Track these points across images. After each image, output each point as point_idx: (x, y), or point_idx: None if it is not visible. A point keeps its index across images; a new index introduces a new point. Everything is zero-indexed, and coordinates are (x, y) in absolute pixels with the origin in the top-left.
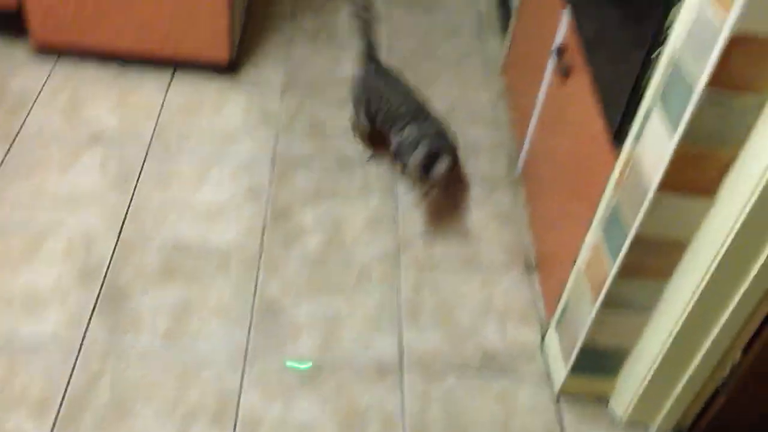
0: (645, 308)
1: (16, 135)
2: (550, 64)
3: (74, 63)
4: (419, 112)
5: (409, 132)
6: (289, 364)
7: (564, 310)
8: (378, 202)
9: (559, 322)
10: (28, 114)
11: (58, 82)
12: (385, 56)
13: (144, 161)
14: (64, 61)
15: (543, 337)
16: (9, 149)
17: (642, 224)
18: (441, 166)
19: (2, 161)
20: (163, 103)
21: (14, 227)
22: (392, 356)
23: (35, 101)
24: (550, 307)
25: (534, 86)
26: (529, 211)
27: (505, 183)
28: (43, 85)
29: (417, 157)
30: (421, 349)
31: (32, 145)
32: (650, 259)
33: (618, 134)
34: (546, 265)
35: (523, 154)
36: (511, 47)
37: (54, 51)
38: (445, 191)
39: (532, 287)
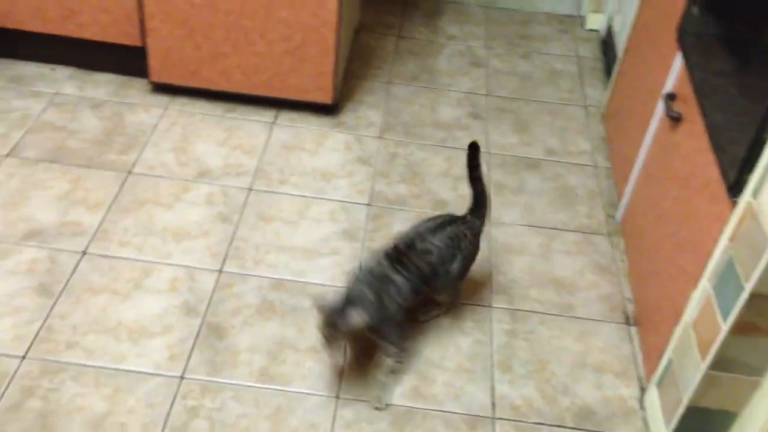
0: (757, 370)
1: (131, 169)
2: (658, 111)
3: (186, 101)
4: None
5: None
6: None
7: (667, 368)
8: None
9: (660, 380)
10: (143, 150)
11: (170, 119)
12: (483, 100)
13: (247, 198)
14: (178, 98)
15: (642, 396)
16: (123, 183)
17: (760, 280)
18: (351, 320)
19: (116, 195)
20: (266, 141)
21: (124, 259)
22: (484, 407)
23: (149, 137)
24: (651, 364)
25: (638, 133)
26: (628, 262)
27: (603, 232)
28: (158, 122)
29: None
30: (514, 401)
31: (145, 179)
32: (767, 317)
33: (735, 185)
34: (646, 319)
35: (623, 203)
36: (614, 93)
37: (169, 89)
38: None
39: (631, 341)
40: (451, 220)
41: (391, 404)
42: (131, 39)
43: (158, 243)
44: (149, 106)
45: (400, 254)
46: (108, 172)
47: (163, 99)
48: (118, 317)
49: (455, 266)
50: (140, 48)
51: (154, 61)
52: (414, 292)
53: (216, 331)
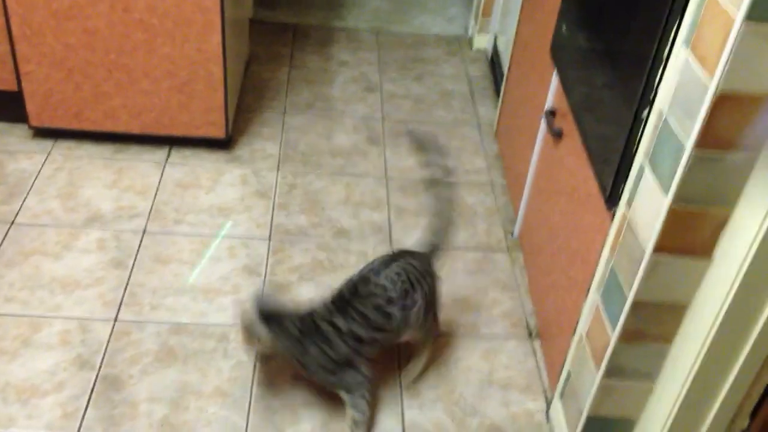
0: (649, 375)
1: (13, 220)
2: (542, 128)
3: (71, 144)
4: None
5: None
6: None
7: (567, 380)
8: None
9: (563, 392)
10: (26, 197)
11: (55, 164)
12: (378, 124)
13: (141, 241)
14: (62, 142)
15: (548, 409)
16: (6, 234)
17: (640, 288)
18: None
19: None
20: (159, 180)
21: (11, 314)
22: None
23: (32, 184)
24: (554, 377)
25: (527, 150)
26: (528, 277)
27: (503, 248)
28: (41, 168)
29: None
30: (425, 426)
31: (29, 230)
32: (651, 324)
33: (611, 196)
34: (548, 333)
35: (519, 219)
36: (502, 111)
37: (51, 133)
38: None
39: (535, 355)
40: (396, 255)
41: None
42: (6, 84)
43: (46, 295)
44: (31, 152)
45: (344, 302)
46: None
47: (46, 144)
48: (5, 378)
49: (411, 302)
50: (17, 93)
51: (31, 106)
52: (371, 338)
53: (113, 384)
